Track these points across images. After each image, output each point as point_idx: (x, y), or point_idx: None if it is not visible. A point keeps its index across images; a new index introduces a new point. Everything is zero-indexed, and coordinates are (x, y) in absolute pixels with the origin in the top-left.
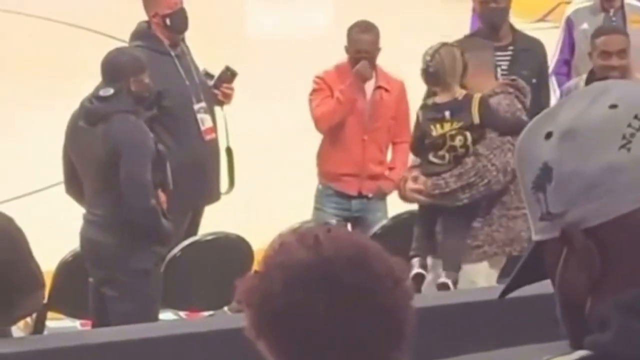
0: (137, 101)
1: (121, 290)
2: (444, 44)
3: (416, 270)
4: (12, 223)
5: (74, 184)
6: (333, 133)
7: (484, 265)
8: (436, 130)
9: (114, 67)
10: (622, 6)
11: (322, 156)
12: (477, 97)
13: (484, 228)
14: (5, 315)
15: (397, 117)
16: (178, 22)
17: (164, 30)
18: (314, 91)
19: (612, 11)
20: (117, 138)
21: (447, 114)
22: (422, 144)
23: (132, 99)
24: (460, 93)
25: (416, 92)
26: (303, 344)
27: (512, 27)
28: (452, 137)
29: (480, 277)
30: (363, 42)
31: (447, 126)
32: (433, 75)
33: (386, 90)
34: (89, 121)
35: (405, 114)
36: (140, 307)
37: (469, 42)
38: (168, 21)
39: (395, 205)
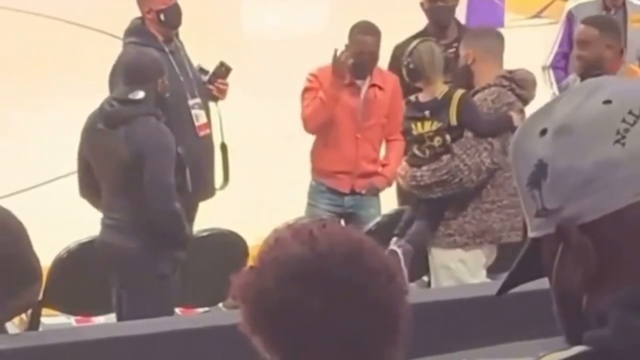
0: (157, 103)
1: (138, 294)
2: (422, 40)
3: (391, 247)
4: (11, 216)
5: (89, 187)
6: (326, 131)
7: (458, 250)
8: (416, 129)
9: (141, 69)
10: (623, 4)
11: (316, 154)
12: (457, 95)
13: (458, 218)
14: (2, 308)
15: (391, 114)
16: (172, 17)
17: (157, 26)
18: (306, 90)
19: (613, 10)
20: (141, 141)
21: (427, 113)
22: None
23: (154, 101)
24: (441, 92)
25: None
26: (298, 339)
27: (458, 24)
28: (431, 138)
29: (454, 262)
30: (366, 44)
31: (427, 125)
32: (413, 71)
33: (380, 88)
34: (109, 124)
35: (400, 110)
36: (155, 312)
37: (476, 30)
38: (162, 17)
39: (390, 202)
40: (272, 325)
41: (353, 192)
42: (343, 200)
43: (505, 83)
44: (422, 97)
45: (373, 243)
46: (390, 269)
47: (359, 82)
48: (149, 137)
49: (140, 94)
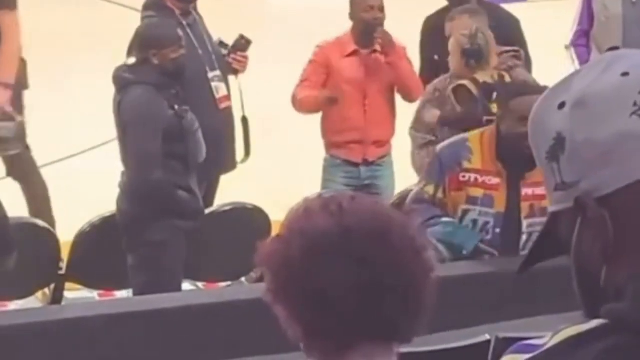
0: (163, 74)
1: (138, 261)
2: (479, 27)
3: None
4: None
5: None
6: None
7: None
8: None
9: (137, 37)
10: None
11: (325, 125)
12: (507, 76)
13: None
14: None
15: (403, 79)
16: None
17: (174, 0)
18: (310, 62)
19: None
20: (125, 109)
21: (494, 94)
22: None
23: (157, 71)
24: (494, 73)
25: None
26: (319, 312)
27: (479, 1)
28: None
29: None
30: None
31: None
32: (478, 52)
33: (382, 53)
34: (116, 88)
35: (412, 74)
36: (155, 279)
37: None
38: None
39: (404, 173)
40: (294, 295)
41: (366, 162)
42: (359, 172)
43: (519, 63)
44: (483, 79)
45: (402, 220)
46: (416, 245)
47: (363, 51)
48: (132, 105)
49: (131, 61)
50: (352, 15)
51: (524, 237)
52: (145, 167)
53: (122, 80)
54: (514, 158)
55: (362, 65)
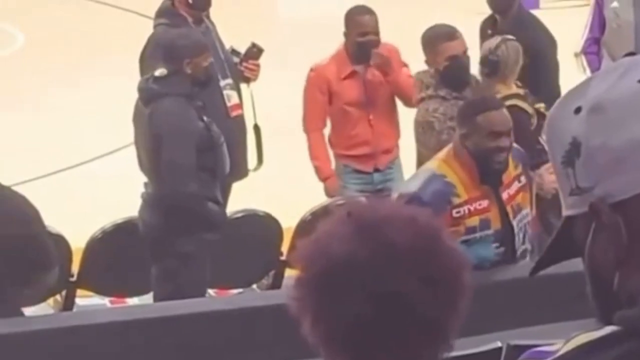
0: (193, 84)
1: (163, 272)
2: (507, 39)
3: None
4: (26, 201)
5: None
6: (338, 121)
7: None
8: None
9: (168, 48)
10: None
11: (333, 141)
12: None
13: None
14: (20, 292)
15: (402, 86)
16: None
17: (186, 8)
18: (310, 85)
19: None
20: (159, 121)
21: None
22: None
23: (188, 81)
24: (514, 89)
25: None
26: (339, 321)
27: (520, 12)
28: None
29: None
30: (367, 24)
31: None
32: (494, 64)
33: (380, 71)
34: (142, 100)
35: (407, 77)
36: (179, 290)
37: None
38: None
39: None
40: (318, 307)
41: (378, 170)
42: (372, 178)
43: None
44: (506, 93)
45: (439, 243)
46: (456, 268)
47: (357, 68)
48: (166, 118)
49: (162, 72)
50: (347, 36)
51: (516, 239)
52: (180, 180)
53: (150, 92)
54: (490, 173)
55: (361, 85)
